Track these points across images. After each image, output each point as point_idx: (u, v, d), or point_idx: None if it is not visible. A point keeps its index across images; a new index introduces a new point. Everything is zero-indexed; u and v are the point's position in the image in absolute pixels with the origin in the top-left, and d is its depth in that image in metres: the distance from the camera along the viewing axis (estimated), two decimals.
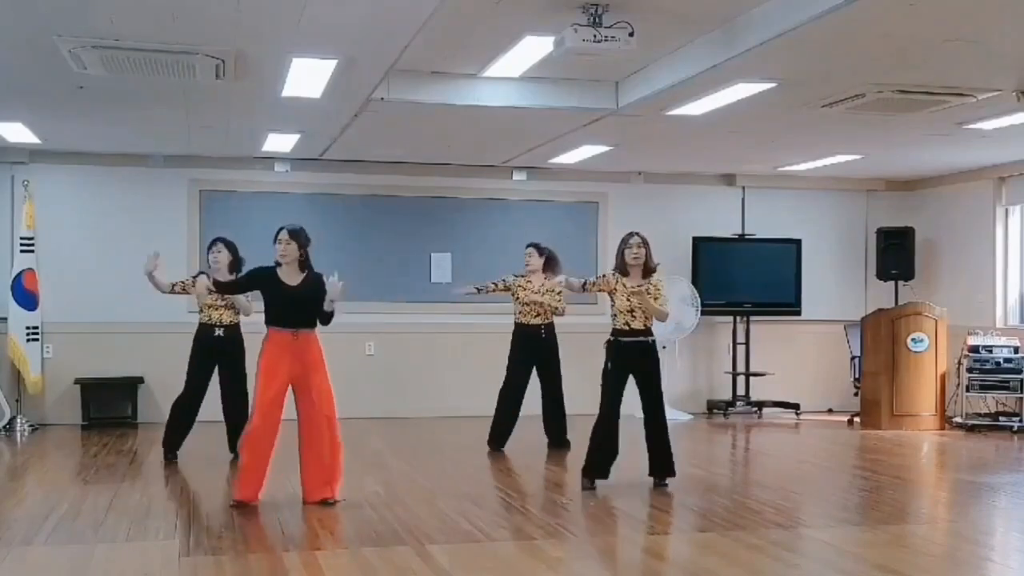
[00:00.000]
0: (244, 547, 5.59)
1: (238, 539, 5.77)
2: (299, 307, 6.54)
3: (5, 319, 10.13)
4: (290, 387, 6.55)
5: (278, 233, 6.59)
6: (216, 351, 8.22)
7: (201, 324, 8.26)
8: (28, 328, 10.16)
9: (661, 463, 7.23)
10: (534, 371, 8.96)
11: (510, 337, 8.90)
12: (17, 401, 10.28)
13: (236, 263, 8.19)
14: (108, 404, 10.46)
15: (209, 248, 8.34)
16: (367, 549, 5.58)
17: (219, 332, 8.19)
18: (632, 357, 7.09)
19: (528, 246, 9.06)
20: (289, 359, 6.49)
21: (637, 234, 7.21)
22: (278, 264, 6.57)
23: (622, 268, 7.14)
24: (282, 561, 5.30)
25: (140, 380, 10.57)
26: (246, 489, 6.52)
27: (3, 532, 5.91)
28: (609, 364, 7.12)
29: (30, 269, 10.18)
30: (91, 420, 10.35)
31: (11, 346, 10.14)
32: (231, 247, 8.24)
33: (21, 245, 10.19)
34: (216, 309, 8.20)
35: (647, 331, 7.11)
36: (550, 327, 8.90)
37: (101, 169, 10.68)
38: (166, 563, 5.25)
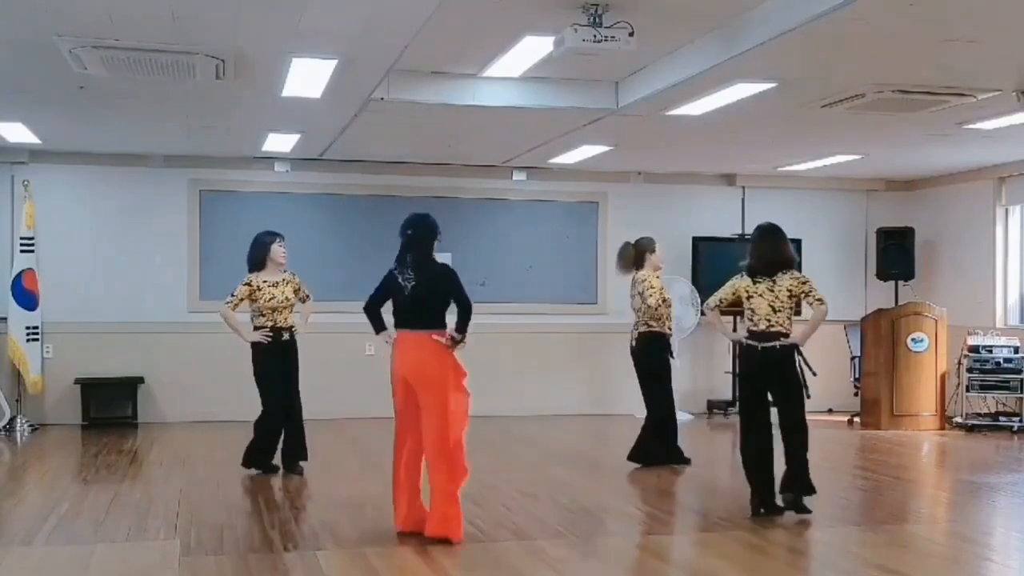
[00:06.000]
0: (244, 547, 5.59)
1: (238, 539, 5.77)
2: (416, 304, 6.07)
3: (5, 319, 10.13)
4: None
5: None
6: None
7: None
8: (28, 328, 10.16)
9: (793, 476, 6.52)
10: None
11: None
12: (17, 401, 10.27)
13: None
14: (108, 404, 10.45)
15: (278, 241, 7.82)
16: (367, 549, 5.59)
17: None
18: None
19: None
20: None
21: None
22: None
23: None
24: (282, 561, 5.30)
25: (140, 380, 10.57)
26: None
27: (3, 532, 5.92)
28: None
29: (30, 269, 10.18)
30: (91, 420, 10.35)
31: (11, 346, 10.14)
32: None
33: (21, 245, 10.19)
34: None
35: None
36: None
37: (101, 169, 10.68)
38: (166, 563, 5.25)
